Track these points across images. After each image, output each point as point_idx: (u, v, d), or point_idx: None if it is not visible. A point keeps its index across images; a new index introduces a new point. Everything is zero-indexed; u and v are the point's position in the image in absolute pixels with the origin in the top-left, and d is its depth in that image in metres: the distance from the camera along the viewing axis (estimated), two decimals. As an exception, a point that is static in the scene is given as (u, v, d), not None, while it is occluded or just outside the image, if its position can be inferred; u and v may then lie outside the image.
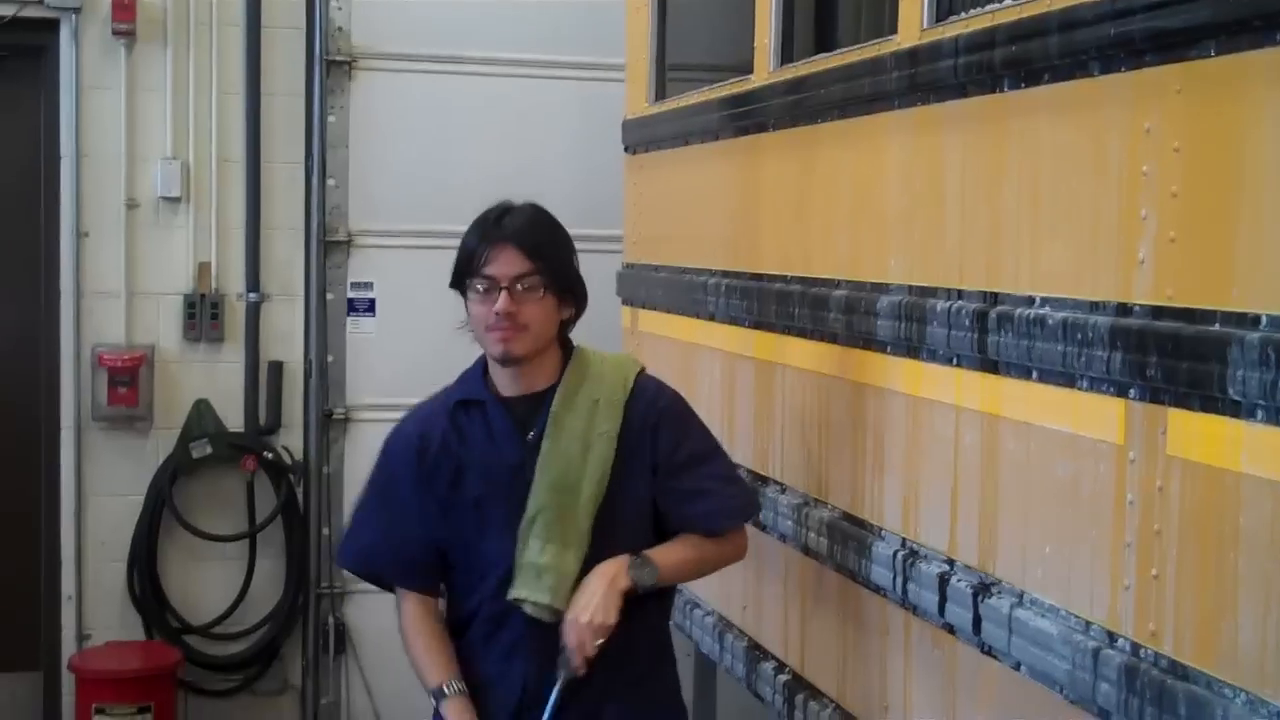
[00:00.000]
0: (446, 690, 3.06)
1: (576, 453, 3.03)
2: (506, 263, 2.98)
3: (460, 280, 3.05)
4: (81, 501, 6.07)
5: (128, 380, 6.00)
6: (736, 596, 4.03)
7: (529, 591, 3.00)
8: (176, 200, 6.09)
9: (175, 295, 6.12)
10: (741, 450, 4.02)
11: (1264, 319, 1.98)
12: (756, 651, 3.93)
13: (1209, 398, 2.08)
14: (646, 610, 3.10)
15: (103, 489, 6.10)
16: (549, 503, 3.01)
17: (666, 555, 3.06)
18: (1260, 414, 1.98)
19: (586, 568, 3.00)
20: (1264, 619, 1.98)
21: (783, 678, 3.74)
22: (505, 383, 3.09)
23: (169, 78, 6.06)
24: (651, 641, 3.17)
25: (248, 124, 6.14)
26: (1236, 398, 2.00)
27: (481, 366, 3.13)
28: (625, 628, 3.02)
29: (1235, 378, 1.99)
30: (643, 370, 3.17)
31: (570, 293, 3.08)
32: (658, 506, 3.09)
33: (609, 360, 3.16)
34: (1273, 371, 1.92)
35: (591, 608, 2.95)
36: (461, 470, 3.08)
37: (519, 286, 2.98)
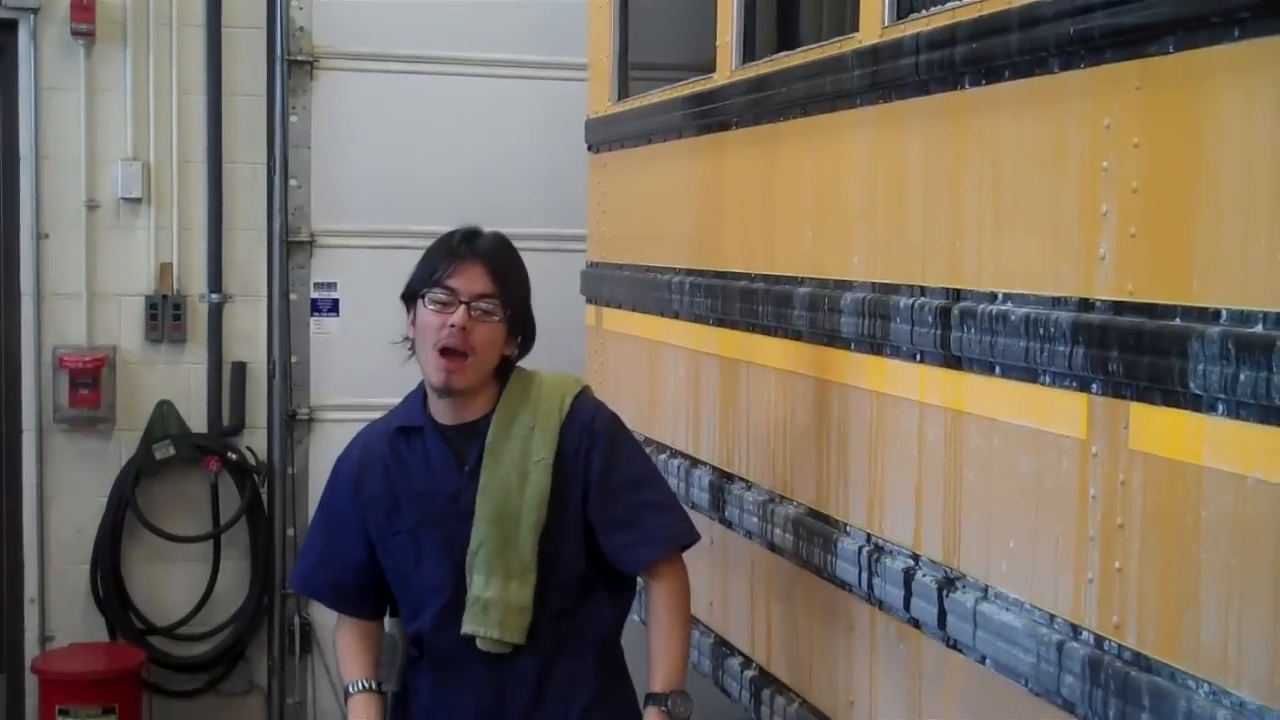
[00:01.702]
0: (352, 689, 3.13)
1: (514, 482, 3.00)
2: (472, 279, 2.97)
3: (414, 292, 3.01)
4: (43, 503, 6.05)
5: (89, 382, 5.97)
6: (703, 593, 4.03)
7: (477, 626, 3.00)
8: (137, 201, 6.07)
9: (137, 296, 6.10)
10: (706, 448, 4.03)
11: (1224, 313, 2.00)
12: (723, 648, 3.94)
13: (1170, 392, 2.09)
14: (596, 632, 3.11)
15: (65, 491, 6.07)
16: (490, 535, 2.99)
17: (674, 665, 3.05)
18: (1221, 408, 2.00)
19: (538, 598, 3.00)
20: (1226, 611, 2.00)
21: (749, 673, 3.74)
22: (441, 410, 3.07)
23: (129, 78, 6.04)
24: (603, 664, 3.13)
25: (209, 124, 6.12)
26: (1198, 392, 2.02)
27: (423, 392, 3.10)
28: (575, 651, 3.05)
29: (1196, 372, 2.00)
30: (582, 391, 3.12)
31: (521, 328, 3.07)
32: (591, 532, 3.07)
33: (547, 383, 3.11)
34: (1233, 365, 1.93)
35: None
36: (398, 498, 3.08)
37: (479, 306, 2.96)
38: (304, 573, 3.29)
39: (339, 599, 3.22)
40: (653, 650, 3.08)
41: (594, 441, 3.05)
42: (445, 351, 2.95)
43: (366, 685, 3.13)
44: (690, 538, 3.16)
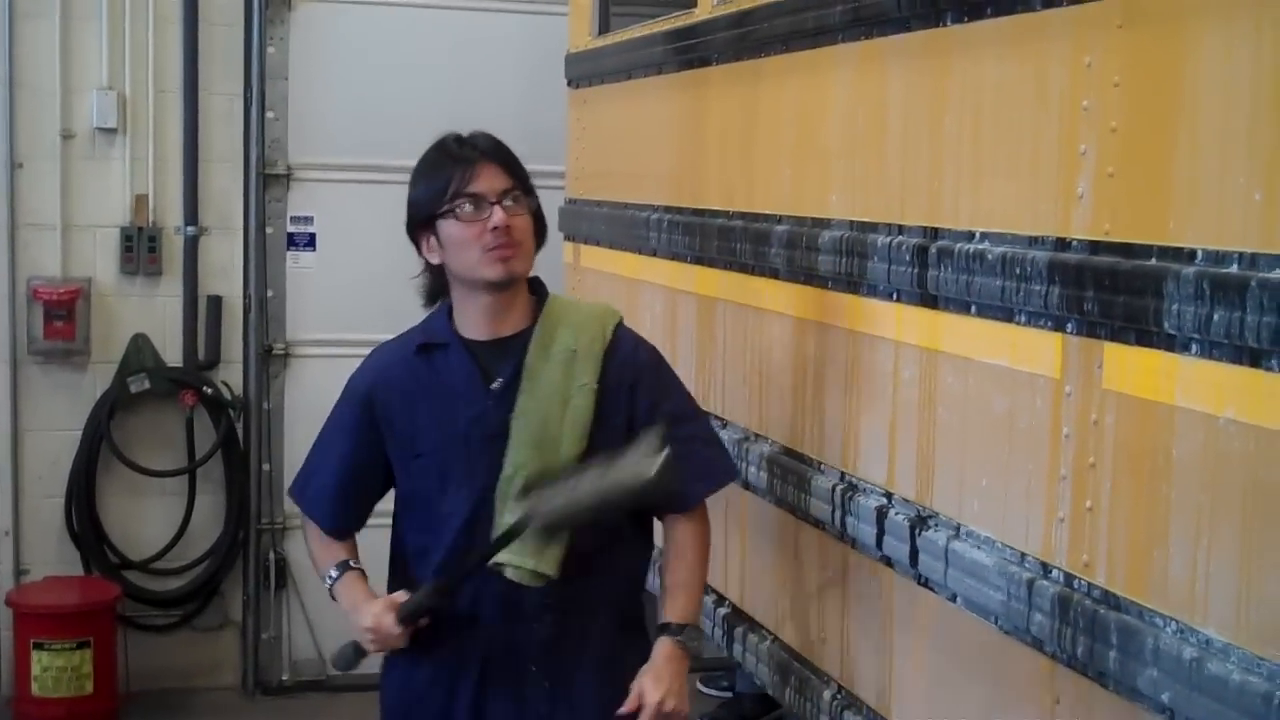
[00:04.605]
0: (336, 572, 2.99)
1: (555, 407, 2.85)
2: (491, 178, 2.83)
3: (430, 215, 2.85)
4: (18, 436, 6.02)
5: (64, 314, 5.94)
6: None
7: (510, 555, 2.81)
8: (113, 131, 6.00)
9: (112, 228, 6.05)
10: (683, 385, 4.02)
11: (1199, 253, 1.99)
12: (696, 585, 3.95)
13: (1144, 331, 2.10)
14: (619, 583, 3.00)
15: (39, 424, 6.04)
16: (528, 460, 2.83)
17: (693, 599, 2.95)
18: (1194, 348, 2.00)
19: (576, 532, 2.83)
20: (1194, 549, 2.01)
21: (722, 611, 3.76)
22: (475, 324, 2.92)
23: (104, 6, 5.95)
24: (624, 619, 3.01)
25: (185, 54, 6.05)
26: (1171, 332, 2.02)
27: (446, 310, 2.96)
28: (597, 598, 2.93)
29: (1170, 312, 2.00)
30: (621, 322, 3.01)
31: (540, 220, 2.95)
32: None
33: (585, 309, 3.01)
34: (1207, 305, 1.93)
35: (676, 696, 2.83)
36: (418, 421, 2.92)
37: (507, 201, 2.83)
38: (312, 496, 3.09)
39: (346, 518, 3.05)
40: (673, 581, 2.96)
41: (640, 374, 2.93)
42: (496, 247, 2.81)
43: (353, 565, 3.01)
44: (734, 474, 3.12)
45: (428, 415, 2.92)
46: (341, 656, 2.98)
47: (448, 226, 2.84)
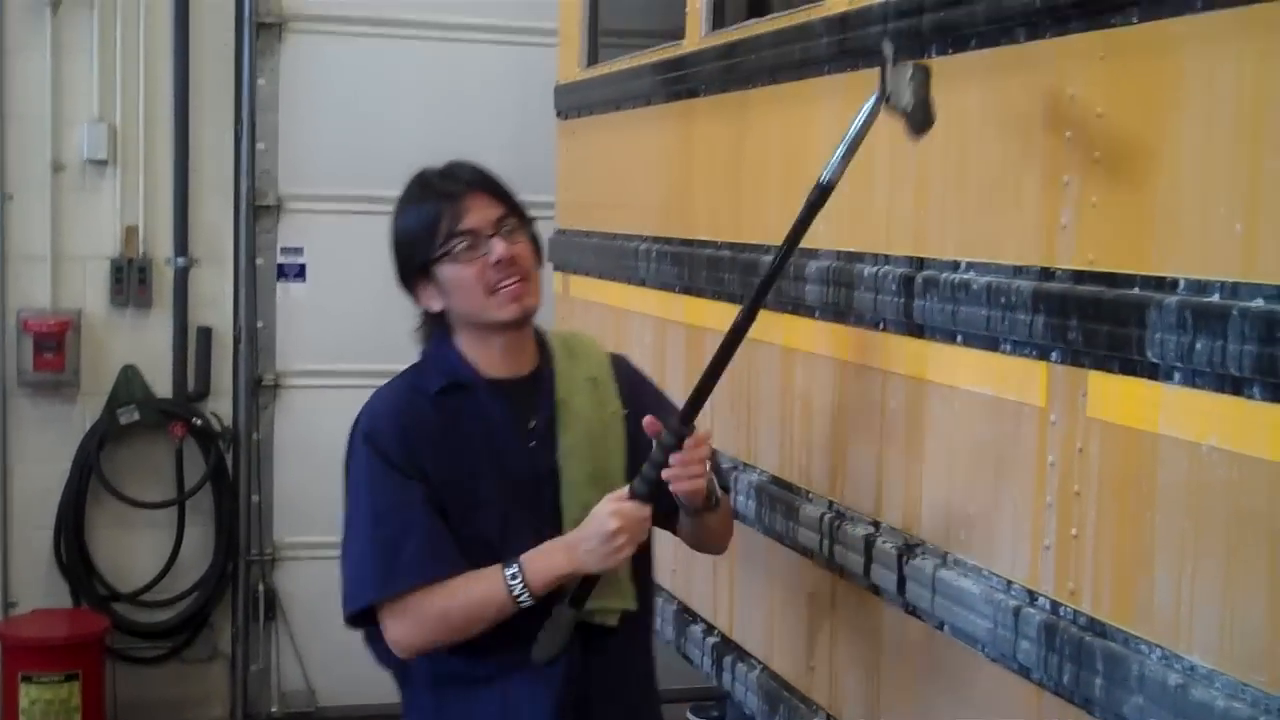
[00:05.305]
0: (508, 567, 2.58)
1: (598, 439, 2.73)
2: (483, 209, 2.65)
3: (423, 261, 2.66)
4: (7, 468, 6.03)
5: (54, 345, 5.95)
6: (665, 560, 4.04)
7: (607, 600, 2.67)
8: (103, 163, 6.03)
9: (102, 259, 6.07)
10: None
11: (1181, 282, 2.01)
12: (685, 614, 3.95)
13: (1128, 360, 2.11)
14: (651, 605, 2.93)
15: (28, 455, 6.04)
16: (592, 499, 2.62)
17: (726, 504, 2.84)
18: (1177, 376, 2.01)
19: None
20: (1179, 577, 2.02)
21: (711, 640, 3.76)
22: (494, 364, 2.73)
23: (95, 38, 5.99)
24: (645, 672, 2.92)
25: (176, 86, 6.08)
26: (1155, 360, 2.04)
27: (450, 350, 2.74)
28: (645, 624, 2.88)
29: (1154, 340, 2.02)
30: None
31: (537, 243, 2.77)
32: None
33: (579, 338, 2.91)
34: (1190, 334, 1.95)
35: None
36: (467, 466, 2.67)
37: (505, 229, 2.66)
38: (414, 565, 2.61)
39: (457, 562, 2.64)
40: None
41: (644, 392, 2.85)
42: (503, 284, 2.64)
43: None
44: (726, 489, 2.97)
45: (474, 461, 2.68)
46: (552, 636, 2.60)
47: (445, 270, 2.66)
